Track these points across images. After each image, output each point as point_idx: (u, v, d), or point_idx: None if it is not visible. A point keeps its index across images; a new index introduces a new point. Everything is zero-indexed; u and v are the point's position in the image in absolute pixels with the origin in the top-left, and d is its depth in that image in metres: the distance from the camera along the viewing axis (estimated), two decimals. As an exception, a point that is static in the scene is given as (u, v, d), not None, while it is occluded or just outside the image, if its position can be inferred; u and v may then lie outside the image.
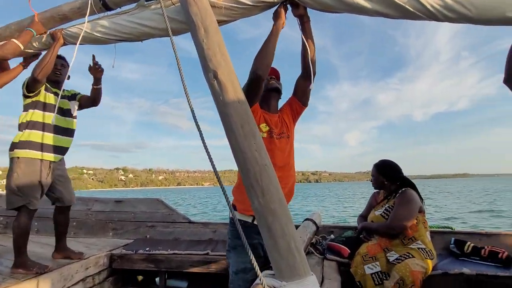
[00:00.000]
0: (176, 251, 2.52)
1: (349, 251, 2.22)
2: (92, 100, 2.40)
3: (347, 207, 18.86)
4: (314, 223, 2.61)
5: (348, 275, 2.11)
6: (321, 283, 1.90)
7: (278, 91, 1.68)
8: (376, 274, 1.95)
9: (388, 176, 2.30)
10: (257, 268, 0.98)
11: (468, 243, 2.24)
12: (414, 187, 2.22)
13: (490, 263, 2.05)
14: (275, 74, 1.74)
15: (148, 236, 3.06)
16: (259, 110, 1.59)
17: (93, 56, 2.24)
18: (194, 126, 1.22)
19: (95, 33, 1.77)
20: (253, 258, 1.00)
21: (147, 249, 2.60)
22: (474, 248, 2.18)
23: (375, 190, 2.50)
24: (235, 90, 1.21)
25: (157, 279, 2.63)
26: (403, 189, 2.19)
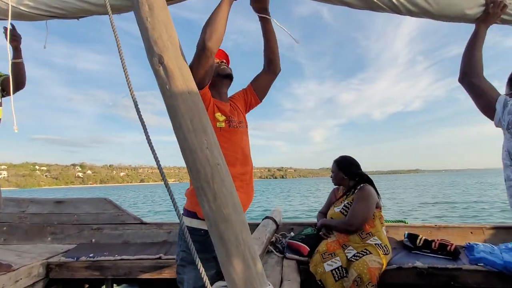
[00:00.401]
0: (124, 256, 2.29)
1: (308, 249, 2.18)
2: (14, 80, 1.98)
3: (312, 201, 19.46)
4: (274, 221, 2.54)
5: (307, 274, 2.07)
6: (280, 284, 1.83)
7: (230, 78, 1.51)
8: (336, 270, 1.93)
9: (347, 172, 2.29)
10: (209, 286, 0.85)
11: (420, 236, 2.32)
12: (371, 183, 2.24)
13: (440, 256, 2.14)
14: (226, 58, 1.56)
15: (93, 240, 2.76)
16: (211, 97, 1.40)
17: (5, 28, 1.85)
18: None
19: (21, 7, 1.48)
20: (205, 274, 0.87)
21: (91, 255, 2.33)
22: (426, 241, 2.26)
23: (335, 186, 2.49)
24: (184, 78, 1.05)
25: (103, 288, 2.38)
26: (361, 185, 2.20)
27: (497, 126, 1.15)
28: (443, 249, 2.16)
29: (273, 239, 2.45)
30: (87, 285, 2.68)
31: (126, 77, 1.04)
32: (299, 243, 2.24)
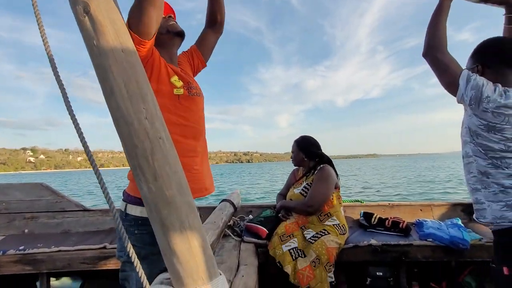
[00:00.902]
0: (62, 247, 2.03)
1: (267, 231, 2.11)
2: None
3: (274, 184, 19.83)
4: (232, 203, 2.43)
5: (266, 257, 2.01)
6: (237, 269, 1.74)
7: (182, 36, 1.27)
8: (293, 249, 1.89)
9: (307, 152, 2.24)
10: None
11: (375, 214, 2.37)
12: (331, 163, 2.21)
13: (393, 233, 2.20)
14: (173, 14, 1.33)
15: (26, 230, 2.43)
16: (161, 58, 1.17)
17: None
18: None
19: None
20: (142, 272, 0.72)
21: (22, 247, 2.03)
22: (380, 220, 2.32)
23: (295, 168, 2.44)
24: (117, 32, 0.85)
25: (38, 283, 2.10)
26: (321, 165, 2.16)
27: (459, 102, 1.13)
28: (395, 226, 2.23)
29: (231, 222, 2.35)
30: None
31: (44, 43, 0.82)
32: (258, 225, 2.17)
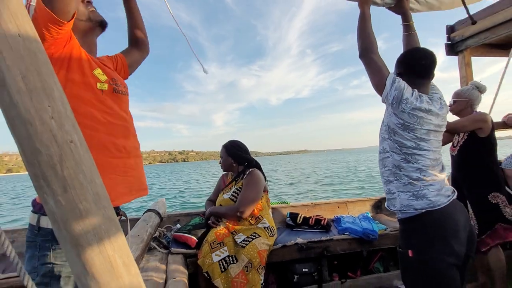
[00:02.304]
0: None
1: (196, 240, 2.02)
2: None
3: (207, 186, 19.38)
4: (158, 213, 2.27)
5: (196, 266, 1.93)
6: (165, 284, 1.62)
7: (104, 26, 1.11)
8: (223, 260, 1.85)
9: (236, 157, 2.24)
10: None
11: (300, 214, 2.51)
12: (259, 167, 2.26)
13: (316, 230, 2.37)
14: None
15: None
16: (82, 48, 1.01)
17: None
18: None
19: None
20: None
21: None
22: (304, 219, 2.47)
23: (224, 172, 2.41)
24: (12, 14, 0.69)
25: None
26: (250, 170, 2.18)
27: (383, 101, 1.27)
28: (318, 223, 2.39)
29: (157, 234, 2.19)
30: None
31: None
32: (186, 234, 2.07)
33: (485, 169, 2.04)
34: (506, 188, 2.60)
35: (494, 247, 2.01)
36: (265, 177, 2.24)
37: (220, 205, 2.19)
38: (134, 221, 2.16)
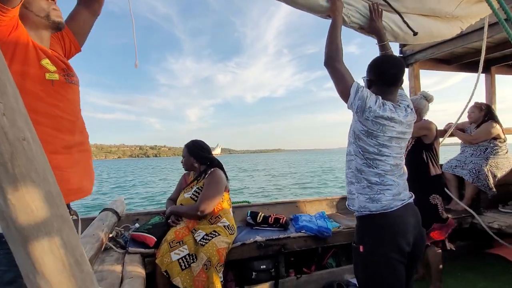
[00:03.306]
0: None
1: (155, 239, 2.01)
2: None
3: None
4: (115, 212, 2.20)
5: (154, 266, 1.91)
6: (120, 284, 1.59)
7: (61, 30, 1.08)
8: (183, 258, 1.86)
9: (198, 157, 2.25)
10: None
11: (260, 213, 2.59)
12: (221, 167, 2.29)
13: (275, 228, 2.46)
14: None
15: None
16: (30, 37, 0.96)
17: None
18: None
19: None
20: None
21: None
22: (264, 217, 2.55)
23: (185, 172, 2.41)
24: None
25: None
26: (212, 169, 2.21)
27: (349, 108, 1.31)
28: (277, 222, 2.49)
29: (113, 233, 2.13)
30: None
31: None
32: (145, 234, 2.04)
33: (428, 172, 2.27)
34: (445, 189, 2.90)
35: (431, 244, 2.24)
36: (226, 177, 2.28)
37: (181, 204, 2.19)
38: (90, 220, 2.08)
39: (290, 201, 2.99)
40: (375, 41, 1.53)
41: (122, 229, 2.27)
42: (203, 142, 2.33)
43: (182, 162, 2.32)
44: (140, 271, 1.74)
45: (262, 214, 2.58)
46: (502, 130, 3.05)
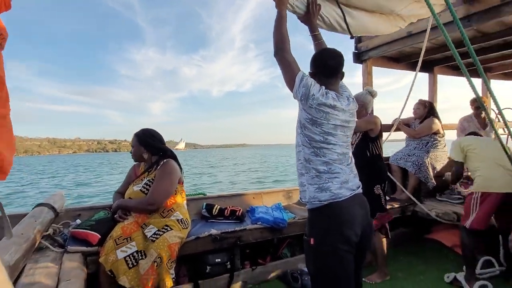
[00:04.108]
0: None
1: (99, 236, 1.84)
2: None
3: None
4: (52, 208, 1.98)
5: (98, 266, 1.76)
6: (56, 287, 1.43)
7: None
8: (130, 256, 1.73)
9: (149, 147, 2.10)
10: None
11: (216, 206, 2.52)
12: (175, 158, 2.17)
13: (231, 221, 2.41)
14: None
15: None
16: None
17: None
18: None
19: None
20: None
21: None
22: (220, 210, 2.49)
23: (135, 163, 2.25)
24: None
25: None
26: (164, 160, 2.08)
27: (294, 97, 1.33)
28: (233, 214, 2.45)
29: (50, 231, 1.91)
30: None
31: None
32: (87, 231, 1.87)
33: (373, 164, 2.38)
34: (391, 177, 3.09)
35: (376, 231, 2.38)
36: (181, 168, 2.17)
37: (130, 197, 2.04)
38: (22, 216, 1.85)
39: (247, 193, 2.97)
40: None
41: (61, 226, 2.05)
42: (155, 131, 2.18)
43: (131, 152, 2.15)
44: (81, 271, 1.58)
45: (218, 207, 2.52)
46: (442, 126, 3.33)
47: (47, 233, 1.89)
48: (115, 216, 1.99)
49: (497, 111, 2.06)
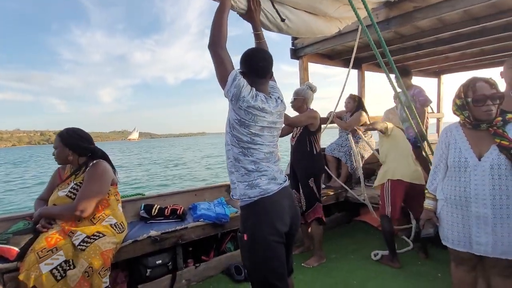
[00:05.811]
0: None
1: (17, 250, 1.64)
2: None
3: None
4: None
5: (17, 283, 1.57)
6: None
7: None
8: (57, 267, 1.59)
9: (76, 148, 1.92)
10: None
11: (155, 205, 2.44)
12: (107, 158, 2.03)
13: (172, 220, 2.36)
14: None
15: None
16: None
17: None
18: None
19: None
20: None
21: None
22: (160, 209, 2.41)
23: (60, 166, 2.04)
24: None
25: None
26: (94, 161, 1.93)
27: (225, 96, 1.31)
28: (174, 213, 2.39)
29: (-47, 250, 1.64)
30: None
31: None
32: (2, 245, 1.65)
33: (311, 158, 2.53)
34: (326, 168, 3.32)
35: (314, 219, 2.55)
36: (114, 169, 2.04)
37: (54, 204, 1.85)
38: None
39: (189, 189, 2.92)
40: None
41: (-31, 243, 1.77)
42: (82, 130, 2.00)
43: (53, 154, 1.94)
44: (-6, 293, 1.40)
45: (158, 206, 2.44)
46: (368, 118, 3.68)
47: (-51, 252, 1.62)
48: (37, 226, 1.79)
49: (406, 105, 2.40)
